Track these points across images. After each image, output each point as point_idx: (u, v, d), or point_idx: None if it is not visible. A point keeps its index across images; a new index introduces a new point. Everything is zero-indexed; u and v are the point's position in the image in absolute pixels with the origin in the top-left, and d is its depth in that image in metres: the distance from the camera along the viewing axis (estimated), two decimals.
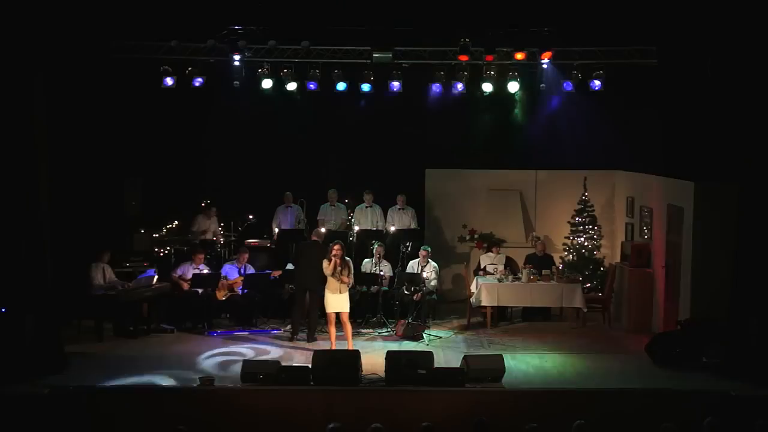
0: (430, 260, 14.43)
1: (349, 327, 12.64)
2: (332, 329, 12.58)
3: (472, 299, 14.35)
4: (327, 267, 12.42)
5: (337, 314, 12.53)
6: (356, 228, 15.45)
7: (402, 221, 15.67)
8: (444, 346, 13.16)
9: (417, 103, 15.90)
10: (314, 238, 13.73)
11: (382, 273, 14.37)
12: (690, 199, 12.61)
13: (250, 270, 14.36)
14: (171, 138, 15.91)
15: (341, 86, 15.35)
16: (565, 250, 15.79)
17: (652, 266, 14.22)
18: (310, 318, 13.32)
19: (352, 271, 12.62)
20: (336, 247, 12.47)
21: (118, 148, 15.31)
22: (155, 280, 13.80)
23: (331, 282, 12.43)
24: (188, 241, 15.34)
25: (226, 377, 11.30)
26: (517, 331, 14.20)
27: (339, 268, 12.37)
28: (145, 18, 14.13)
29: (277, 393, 10.72)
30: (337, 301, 12.47)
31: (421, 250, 14.42)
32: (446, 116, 16.26)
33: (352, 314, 13.11)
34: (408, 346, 12.95)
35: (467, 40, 14.44)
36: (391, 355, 11.28)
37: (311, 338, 13.23)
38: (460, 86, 15.32)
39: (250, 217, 15.87)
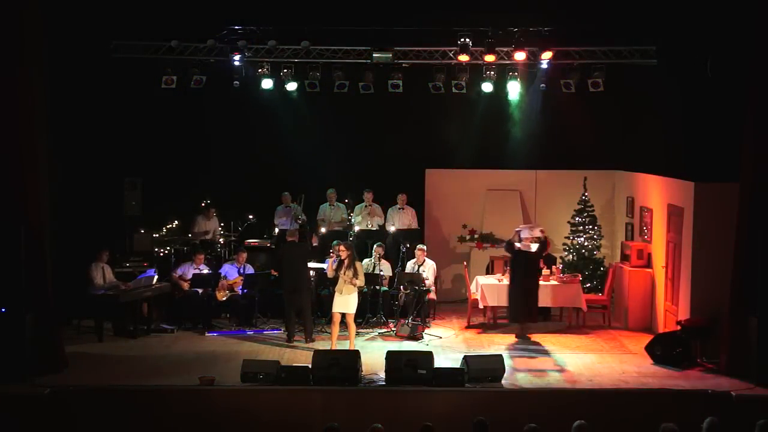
0: (426, 258, 14.42)
1: (353, 328, 12.62)
2: (335, 329, 12.57)
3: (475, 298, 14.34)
4: (329, 267, 12.45)
5: (343, 315, 12.53)
6: (356, 228, 15.47)
7: (402, 221, 15.66)
8: (444, 346, 13.16)
9: (417, 103, 15.90)
10: (290, 238, 13.68)
11: (381, 273, 14.37)
12: (690, 199, 12.61)
13: (250, 270, 14.36)
14: (171, 138, 15.91)
15: (341, 86, 15.35)
16: (565, 250, 15.79)
17: (652, 266, 14.22)
18: (305, 318, 13.32)
19: (361, 273, 12.58)
20: (341, 247, 12.49)
21: (118, 148, 15.32)
22: (155, 280, 13.80)
23: (338, 282, 12.44)
24: (188, 241, 15.35)
25: (226, 377, 11.30)
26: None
27: (344, 269, 12.37)
28: (145, 18, 14.14)
29: (277, 393, 10.73)
30: (341, 301, 12.47)
31: (418, 249, 14.40)
32: (446, 116, 16.27)
33: None
34: (408, 346, 12.95)
35: (467, 40, 14.44)
36: (391, 355, 11.28)
37: (309, 339, 13.23)
38: (461, 86, 15.30)
39: (250, 217, 15.87)
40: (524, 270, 13.52)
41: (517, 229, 13.87)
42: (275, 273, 14.36)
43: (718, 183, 12.29)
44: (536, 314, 13.75)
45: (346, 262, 12.40)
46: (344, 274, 12.39)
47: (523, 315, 13.53)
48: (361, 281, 12.62)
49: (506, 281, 14.26)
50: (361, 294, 14.10)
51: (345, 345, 12.56)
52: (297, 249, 13.43)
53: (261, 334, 13.76)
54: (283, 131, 16.17)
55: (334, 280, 12.65)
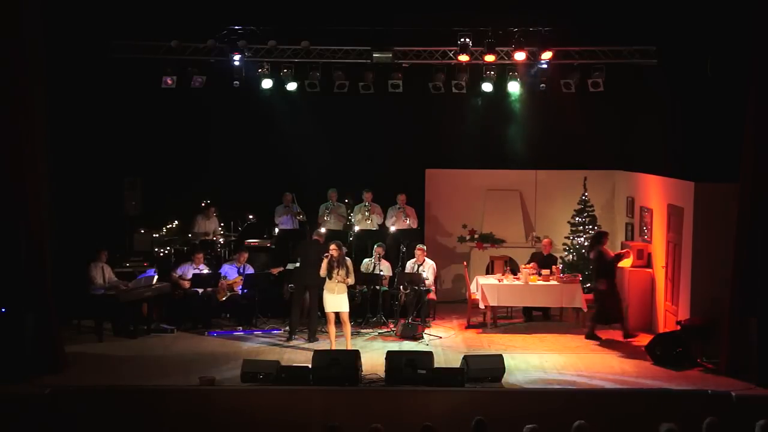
0: (426, 258, 14.43)
1: (348, 327, 12.63)
2: (332, 329, 12.58)
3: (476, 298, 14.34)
4: (323, 267, 12.46)
5: (337, 314, 12.53)
6: (356, 228, 15.47)
7: (401, 220, 15.66)
8: (444, 346, 13.16)
9: (417, 103, 15.90)
10: (315, 237, 13.75)
11: (381, 273, 14.36)
12: (690, 199, 12.61)
13: (250, 270, 14.36)
14: (171, 138, 15.91)
15: (341, 86, 15.35)
16: (565, 250, 15.79)
17: (652, 266, 14.22)
18: (310, 318, 13.32)
19: (352, 272, 12.61)
20: (332, 246, 12.49)
21: (118, 148, 15.32)
22: (155, 280, 13.80)
23: (329, 282, 12.44)
24: (188, 241, 15.35)
25: (226, 377, 11.30)
26: (517, 331, 14.21)
27: (336, 269, 12.38)
28: (145, 18, 14.14)
29: (277, 393, 10.73)
30: (335, 300, 12.47)
31: (417, 248, 14.41)
32: (446, 116, 16.26)
33: (353, 314, 13.12)
34: (408, 346, 12.95)
35: (467, 40, 14.44)
36: (391, 355, 11.29)
37: (312, 338, 13.23)
38: (460, 86, 15.29)
39: (250, 217, 15.87)
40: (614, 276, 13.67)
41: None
42: (275, 272, 14.37)
43: (718, 183, 12.29)
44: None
45: (336, 261, 12.40)
46: (337, 273, 12.39)
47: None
48: (352, 279, 12.63)
49: (507, 281, 14.28)
50: (361, 294, 14.16)
51: (344, 345, 12.56)
52: (317, 249, 13.24)
53: (261, 334, 13.75)
54: (283, 131, 16.16)
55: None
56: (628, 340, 13.40)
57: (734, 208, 11.62)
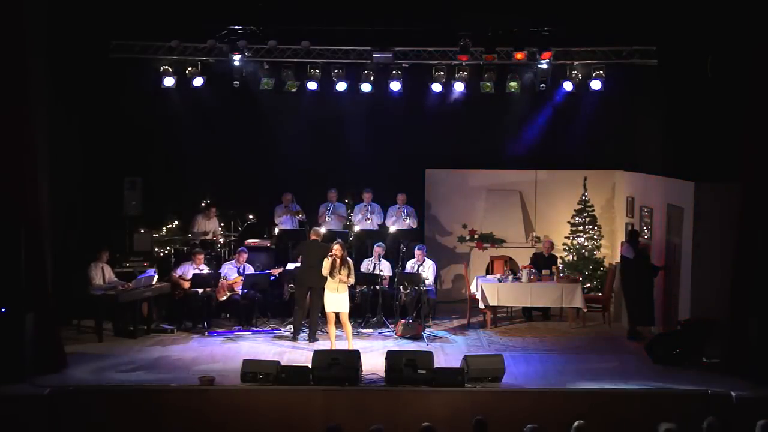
0: (426, 258, 14.43)
1: (348, 327, 12.64)
2: (332, 329, 12.59)
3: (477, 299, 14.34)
4: (325, 266, 12.45)
5: (337, 314, 12.54)
6: (356, 228, 15.47)
7: (401, 220, 15.66)
8: (444, 346, 13.16)
9: (417, 103, 15.90)
10: (313, 236, 13.73)
11: (381, 273, 14.36)
12: (690, 199, 12.61)
13: (250, 270, 14.36)
14: (171, 138, 15.92)
15: (341, 86, 15.36)
16: (565, 250, 15.79)
17: None
18: (311, 317, 13.32)
19: (353, 271, 12.62)
20: (336, 246, 12.49)
21: (118, 148, 15.32)
22: (155, 280, 13.80)
23: (330, 281, 12.45)
24: (188, 241, 15.35)
25: (226, 377, 11.30)
26: (517, 331, 14.21)
27: (339, 268, 12.38)
28: (145, 18, 14.14)
29: (277, 393, 10.73)
30: (336, 300, 12.48)
31: (416, 250, 14.41)
32: (446, 116, 16.26)
33: (352, 314, 13.12)
34: (408, 346, 12.95)
35: (467, 40, 14.44)
36: (391, 355, 11.28)
37: (312, 338, 13.24)
38: (460, 86, 15.31)
39: (250, 217, 15.87)
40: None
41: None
42: (276, 272, 14.38)
43: (718, 183, 12.30)
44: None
45: (339, 261, 12.41)
46: (339, 273, 12.40)
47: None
48: (353, 279, 12.64)
49: (509, 281, 14.27)
50: (361, 294, 14.16)
51: (344, 345, 12.56)
52: (318, 248, 13.20)
53: (261, 334, 13.75)
54: (283, 131, 16.17)
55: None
56: (632, 342, 13.39)
57: (734, 208, 11.63)
